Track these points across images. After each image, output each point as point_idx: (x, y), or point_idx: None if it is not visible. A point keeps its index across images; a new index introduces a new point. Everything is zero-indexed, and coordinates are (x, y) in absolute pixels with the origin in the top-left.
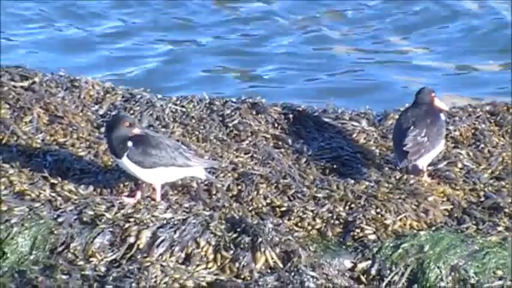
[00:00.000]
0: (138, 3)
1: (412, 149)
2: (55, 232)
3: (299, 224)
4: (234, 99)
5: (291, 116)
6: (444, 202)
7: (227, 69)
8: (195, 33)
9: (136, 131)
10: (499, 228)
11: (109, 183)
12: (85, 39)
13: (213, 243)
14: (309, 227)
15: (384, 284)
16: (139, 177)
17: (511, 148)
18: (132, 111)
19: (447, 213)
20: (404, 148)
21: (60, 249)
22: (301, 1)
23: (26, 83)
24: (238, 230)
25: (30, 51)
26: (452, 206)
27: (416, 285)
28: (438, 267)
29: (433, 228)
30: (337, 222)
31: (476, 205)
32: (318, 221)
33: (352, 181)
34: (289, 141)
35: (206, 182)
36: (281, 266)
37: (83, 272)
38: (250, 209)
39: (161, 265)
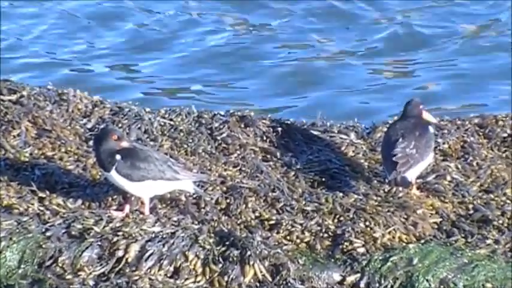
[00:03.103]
0: None
1: (401, 160)
2: (43, 246)
3: (288, 237)
4: (222, 112)
5: (279, 129)
6: (433, 215)
7: None
8: None
9: (124, 144)
10: (488, 241)
11: (97, 196)
12: None
13: (202, 256)
14: (298, 240)
15: None
16: (127, 190)
17: (500, 161)
18: (120, 125)
19: (436, 226)
20: (393, 158)
21: (48, 263)
22: None
23: (14, 97)
24: (227, 243)
25: None
26: (441, 219)
27: None
28: (427, 280)
29: (422, 241)
30: (326, 235)
31: (465, 218)
32: (307, 234)
33: (341, 194)
34: (278, 154)
35: (195, 196)
36: (270, 279)
37: (71, 286)
38: (238, 222)
39: (150, 279)
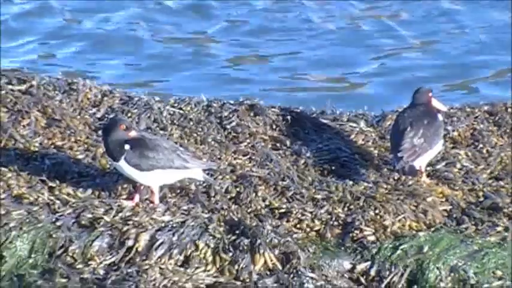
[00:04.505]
0: None
1: (408, 152)
2: (54, 235)
3: (298, 226)
4: (231, 101)
5: (289, 117)
6: (443, 203)
7: None
8: None
9: (133, 133)
10: (498, 229)
11: (107, 186)
12: None
13: (212, 245)
14: (308, 229)
15: (384, 285)
16: (137, 180)
17: (509, 148)
18: (129, 114)
19: (446, 214)
20: (399, 154)
21: (58, 252)
22: None
23: (23, 87)
24: (237, 232)
25: None
26: (451, 207)
27: (415, 286)
28: (437, 268)
29: (432, 228)
30: (336, 223)
31: (475, 205)
32: (317, 222)
33: (351, 182)
34: (288, 142)
35: (204, 184)
36: (280, 267)
37: (81, 276)
38: (249, 211)
39: (160, 268)
